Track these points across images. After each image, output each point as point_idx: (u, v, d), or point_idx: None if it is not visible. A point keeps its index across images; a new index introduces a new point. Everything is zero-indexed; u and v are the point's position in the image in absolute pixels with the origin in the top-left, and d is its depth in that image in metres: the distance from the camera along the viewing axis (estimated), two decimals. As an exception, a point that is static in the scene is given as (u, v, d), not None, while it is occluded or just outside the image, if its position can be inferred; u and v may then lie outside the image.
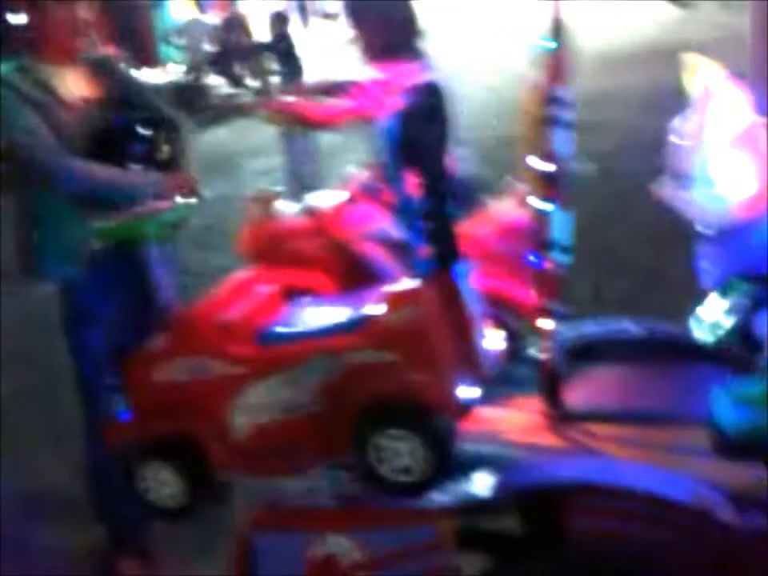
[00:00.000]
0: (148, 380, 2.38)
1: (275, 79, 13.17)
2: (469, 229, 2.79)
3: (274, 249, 2.94)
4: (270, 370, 2.29)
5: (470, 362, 2.23)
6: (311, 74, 13.41)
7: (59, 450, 4.03)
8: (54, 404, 4.51)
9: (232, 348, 2.31)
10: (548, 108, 2.14)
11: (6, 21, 10.99)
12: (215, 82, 12.84)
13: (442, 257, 2.24)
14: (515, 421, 2.39)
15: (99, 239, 2.75)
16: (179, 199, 2.75)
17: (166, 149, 2.92)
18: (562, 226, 2.23)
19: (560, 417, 2.35)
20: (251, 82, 13.04)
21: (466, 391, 2.21)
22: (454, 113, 2.46)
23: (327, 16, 18.53)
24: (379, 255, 2.84)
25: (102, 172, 2.81)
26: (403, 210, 2.27)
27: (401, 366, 2.17)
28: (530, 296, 2.42)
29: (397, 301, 2.21)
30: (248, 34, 13.06)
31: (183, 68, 13.09)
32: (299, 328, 2.37)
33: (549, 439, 2.31)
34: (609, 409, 2.39)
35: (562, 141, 2.17)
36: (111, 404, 2.75)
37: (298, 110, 2.94)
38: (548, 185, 2.19)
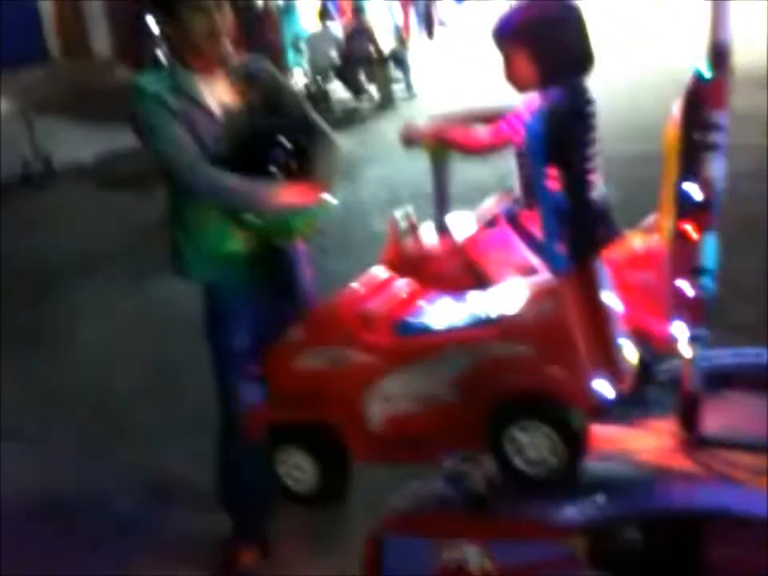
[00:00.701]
0: (288, 368, 2.47)
1: (396, 89, 13.34)
2: (605, 258, 2.80)
3: (412, 267, 3.00)
4: (406, 360, 2.34)
5: (606, 358, 2.25)
6: (436, 89, 13.53)
7: (181, 442, 4.20)
8: (175, 399, 4.69)
9: (370, 338, 2.39)
10: (704, 134, 2.14)
11: (150, 33, 11.46)
12: (338, 89, 13.05)
13: (581, 253, 2.27)
14: (648, 442, 2.39)
15: (250, 236, 2.84)
16: (324, 196, 2.79)
17: (306, 156, 2.94)
18: (710, 252, 2.23)
19: (695, 441, 2.34)
20: (373, 91, 13.20)
21: (602, 388, 2.23)
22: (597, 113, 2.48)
23: (442, 24, 18.65)
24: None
25: (230, 184, 2.82)
26: (545, 205, 2.30)
27: (538, 360, 2.21)
28: (663, 325, 2.42)
29: (536, 295, 2.25)
30: (374, 43, 13.20)
31: (308, 75, 13.32)
32: (437, 321, 2.42)
33: (683, 463, 2.30)
34: (744, 436, 2.37)
35: (717, 167, 2.17)
36: (251, 394, 2.88)
37: (455, 137, 2.95)
38: (700, 212, 2.19)
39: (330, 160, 3.02)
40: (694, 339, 2.28)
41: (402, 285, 2.63)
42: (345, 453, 2.52)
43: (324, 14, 13.65)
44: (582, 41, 2.80)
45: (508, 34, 2.89)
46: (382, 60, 13.13)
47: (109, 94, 13.82)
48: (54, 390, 5.07)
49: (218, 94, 2.98)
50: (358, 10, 13.59)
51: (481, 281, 2.89)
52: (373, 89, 13.16)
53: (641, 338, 2.57)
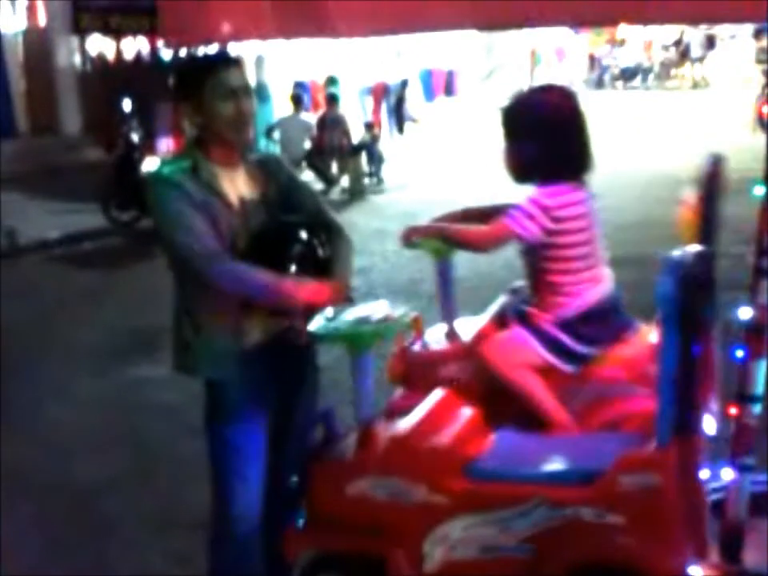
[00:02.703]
0: (340, 492, 2.31)
1: (367, 181, 13.43)
2: (622, 351, 2.74)
3: (421, 374, 2.92)
4: (478, 506, 2.21)
5: (697, 537, 2.14)
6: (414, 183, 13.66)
7: (159, 538, 4.00)
8: (153, 489, 4.50)
9: (441, 477, 2.24)
10: (762, 259, 2.10)
11: (123, 114, 11.46)
12: (309, 177, 13.08)
13: (686, 424, 2.16)
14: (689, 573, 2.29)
15: (325, 342, 2.76)
16: (397, 312, 2.72)
17: (324, 252, 2.91)
18: (761, 379, 2.17)
19: (737, 573, 2.24)
20: (344, 182, 13.26)
21: (692, 569, 2.12)
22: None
23: (413, 119, 18.98)
24: (530, 380, 2.79)
25: (257, 278, 2.76)
26: (664, 372, 2.19)
27: (628, 531, 2.09)
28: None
29: (635, 462, 2.13)
30: (346, 134, 13.33)
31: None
32: (514, 467, 2.28)
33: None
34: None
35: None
36: (249, 499, 2.72)
37: (457, 233, 2.93)
38: (751, 335, 2.14)
39: (346, 258, 2.98)
40: (741, 468, 2.21)
41: (469, 412, 2.52)
42: None
43: (297, 101, 13.75)
44: (583, 141, 2.81)
45: (516, 124, 2.90)
46: (354, 151, 13.23)
47: (77, 172, 13.80)
48: (16, 474, 4.81)
49: (237, 187, 2.92)
50: (331, 100, 13.74)
51: (493, 384, 2.82)
52: (344, 180, 13.23)
53: None
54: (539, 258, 2.85)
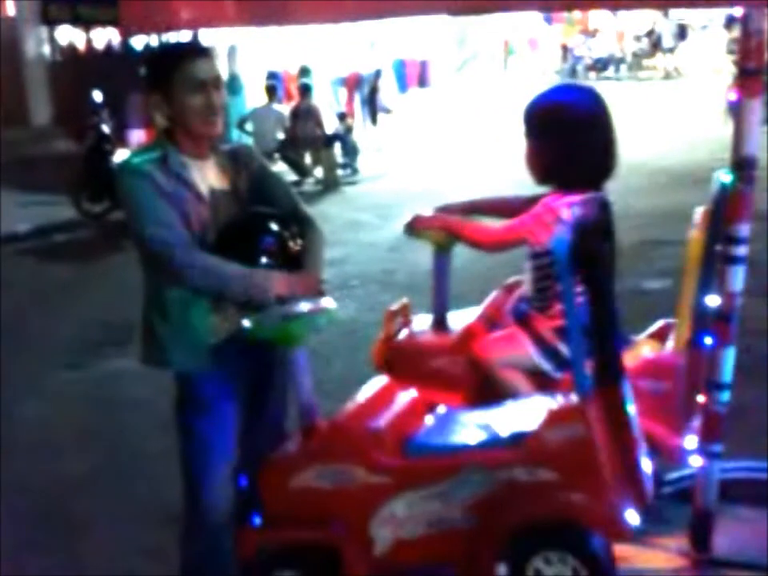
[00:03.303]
0: (287, 485, 2.32)
1: (340, 172, 13.39)
2: None
3: (408, 364, 2.89)
4: (418, 482, 2.23)
5: (632, 482, 2.16)
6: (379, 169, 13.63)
7: (134, 534, 3.97)
8: (127, 485, 4.47)
9: (380, 457, 2.26)
10: (727, 246, 2.11)
11: (94, 104, 11.36)
12: (282, 168, 13.03)
13: (606, 373, 2.19)
14: (659, 561, 2.31)
15: (251, 338, 2.72)
16: (326, 303, 2.70)
17: (296, 244, 2.88)
18: (728, 366, 2.18)
19: (706, 561, 2.26)
20: (317, 173, 13.22)
21: (629, 514, 2.14)
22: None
23: (386, 110, 18.96)
24: (518, 380, 2.77)
25: (228, 271, 2.73)
26: (571, 324, 2.22)
27: (562, 485, 2.12)
28: (674, 436, 2.36)
29: (558, 417, 2.16)
30: (319, 124, 13.28)
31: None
32: (449, 440, 2.31)
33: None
34: (757, 557, 2.30)
35: (737, 279, 2.14)
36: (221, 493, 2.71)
37: (467, 231, 2.86)
38: (720, 323, 2.15)
39: (318, 250, 2.95)
40: (709, 455, 2.22)
41: (407, 396, 2.52)
42: None
43: (271, 91, 13.69)
44: (609, 147, 2.73)
45: (541, 123, 2.78)
46: (328, 142, 13.19)
47: (47, 163, 13.67)
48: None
49: (207, 178, 2.89)
50: (304, 91, 13.69)
51: (480, 379, 2.80)
52: (318, 171, 13.19)
53: (650, 446, 2.51)
54: (547, 265, 2.79)
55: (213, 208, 2.85)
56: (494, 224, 2.82)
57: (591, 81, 23.76)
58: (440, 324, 3.07)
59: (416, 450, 2.30)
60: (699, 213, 2.34)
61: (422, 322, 3.10)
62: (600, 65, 27.71)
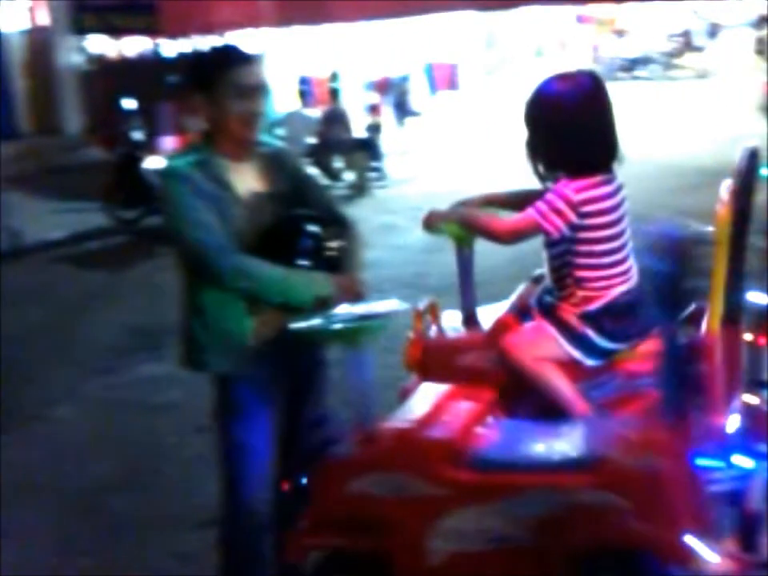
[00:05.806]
0: (342, 491, 2.27)
1: (371, 175, 13.37)
2: (647, 346, 2.68)
3: (440, 362, 2.86)
4: (483, 497, 2.17)
5: (700, 515, 2.11)
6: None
7: (167, 538, 3.97)
8: (160, 489, 4.48)
9: (445, 470, 2.21)
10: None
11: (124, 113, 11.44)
12: (313, 173, 13.05)
13: (684, 405, 2.12)
14: (708, 564, 2.24)
15: (317, 340, 2.71)
16: (384, 306, 2.66)
17: (334, 247, 2.86)
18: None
19: (758, 565, 2.20)
20: (348, 177, 13.22)
21: (696, 545, 2.09)
22: None
23: (415, 113, 18.92)
24: (550, 372, 2.74)
25: (269, 273, 2.74)
26: (667, 348, 2.15)
27: (631, 513, 2.06)
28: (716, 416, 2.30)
29: (639, 446, 2.11)
30: (349, 129, 13.27)
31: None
32: (516, 456, 2.25)
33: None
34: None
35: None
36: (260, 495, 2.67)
37: (481, 222, 2.86)
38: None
39: (357, 252, 2.97)
40: (758, 457, 2.17)
41: (471, 406, 2.47)
42: None
43: (302, 96, 13.72)
44: (609, 130, 2.75)
45: (537, 115, 2.83)
46: (358, 146, 13.18)
47: (80, 171, 13.77)
48: (24, 475, 4.78)
49: (246, 181, 2.88)
50: (334, 95, 13.69)
51: (513, 374, 2.77)
52: (348, 175, 13.18)
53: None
54: (565, 252, 2.78)
55: (251, 210, 2.85)
56: (509, 215, 2.83)
57: (623, 81, 23.60)
58: (470, 320, 3.03)
59: (482, 465, 2.24)
60: (725, 187, 2.29)
61: (450, 319, 3.06)
62: (632, 65, 27.50)
